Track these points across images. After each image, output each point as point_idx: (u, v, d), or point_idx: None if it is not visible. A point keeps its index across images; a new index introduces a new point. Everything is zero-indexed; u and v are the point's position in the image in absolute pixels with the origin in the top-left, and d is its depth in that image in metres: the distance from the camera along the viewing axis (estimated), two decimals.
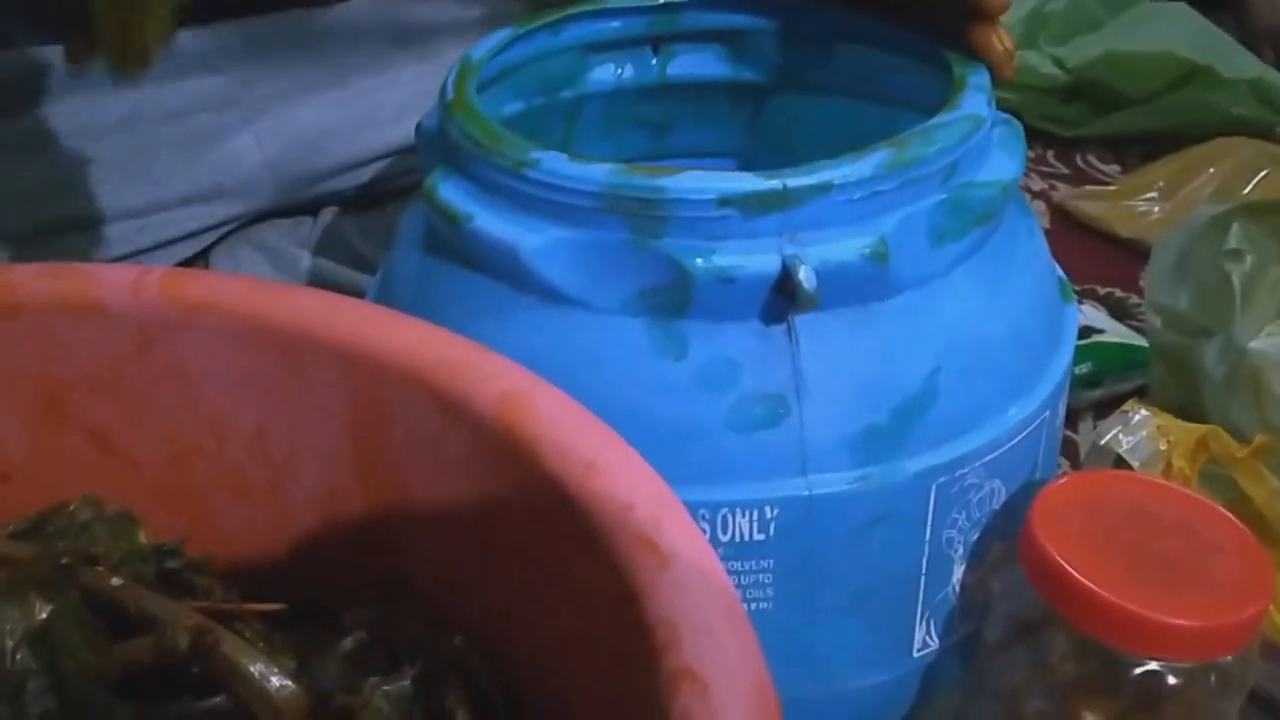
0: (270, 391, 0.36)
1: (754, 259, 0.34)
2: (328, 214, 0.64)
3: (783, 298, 0.35)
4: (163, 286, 0.36)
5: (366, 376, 0.35)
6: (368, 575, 0.37)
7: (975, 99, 0.39)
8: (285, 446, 0.37)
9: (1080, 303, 0.67)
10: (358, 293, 0.59)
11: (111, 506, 0.37)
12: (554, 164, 0.36)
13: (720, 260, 0.34)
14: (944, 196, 0.37)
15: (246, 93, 0.60)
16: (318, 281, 0.61)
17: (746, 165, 0.56)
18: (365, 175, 0.63)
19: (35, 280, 0.37)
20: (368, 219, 0.64)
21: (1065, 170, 0.82)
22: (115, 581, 0.33)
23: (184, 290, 0.36)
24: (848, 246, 0.35)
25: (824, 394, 0.35)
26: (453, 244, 0.39)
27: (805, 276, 0.34)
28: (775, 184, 0.35)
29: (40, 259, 0.55)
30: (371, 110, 0.62)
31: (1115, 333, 0.62)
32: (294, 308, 0.36)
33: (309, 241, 0.62)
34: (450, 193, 0.38)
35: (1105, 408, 0.59)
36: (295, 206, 0.63)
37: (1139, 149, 0.83)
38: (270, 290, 0.37)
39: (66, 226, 0.56)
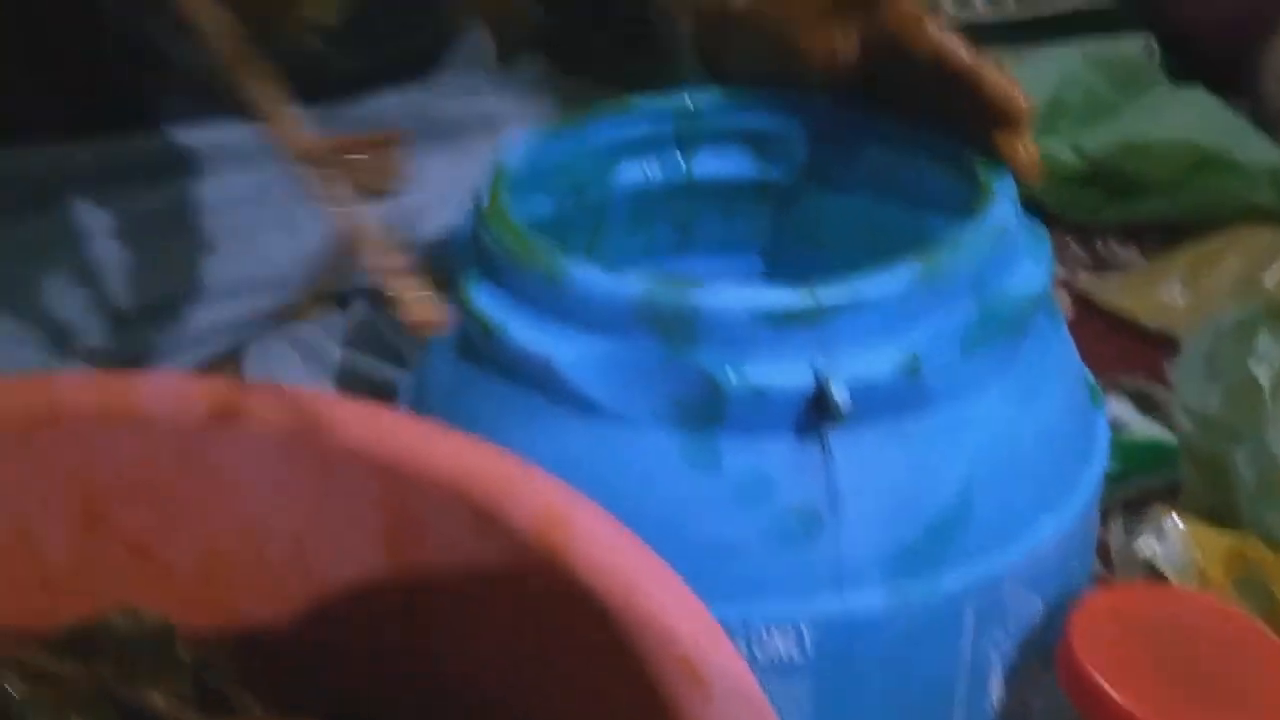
0: (308, 501, 0.36)
1: (787, 373, 0.35)
2: (359, 306, 0.65)
3: (816, 412, 0.35)
4: (206, 397, 0.37)
5: (404, 488, 0.35)
6: (404, 685, 0.37)
7: (1002, 208, 0.40)
8: (322, 556, 0.37)
9: (1106, 395, 0.67)
10: (388, 386, 0.60)
11: (149, 616, 0.37)
12: (587, 275, 0.37)
13: (753, 374, 0.35)
14: (974, 308, 0.37)
15: (280, 187, 0.61)
16: (348, 375, 0.62)
17: (772, 259, 0.56)
18: None
19: (78, 389, 0.37)
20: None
21: (1085, 256, 0.83)
22: (156, 701, 0.34)
23: (225, 400, 0.37)
24: (880, 361, 0.35)
25: (859, 509, 0.35)
26: (487, 351, 0.39)
27: (838, 392, 0.34)
28: (807, 299, 0.35)
29: (79, 352, 0.56)
30: (401, 205, 0.63)
31: (1142, 429, 0.62)
32: (332, 418, 0.36)
33: (340, 334, 0.63)
34: (484, 301, 0.39)
35: (1134, 505, 0.59)
36: (327, 299, 0.64)
37: (1158, 235, 0.83)
38: (309, 400, 0.37)
39: (106, 320, 0.57)
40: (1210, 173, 0.82)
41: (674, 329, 0.35)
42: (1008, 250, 0.38)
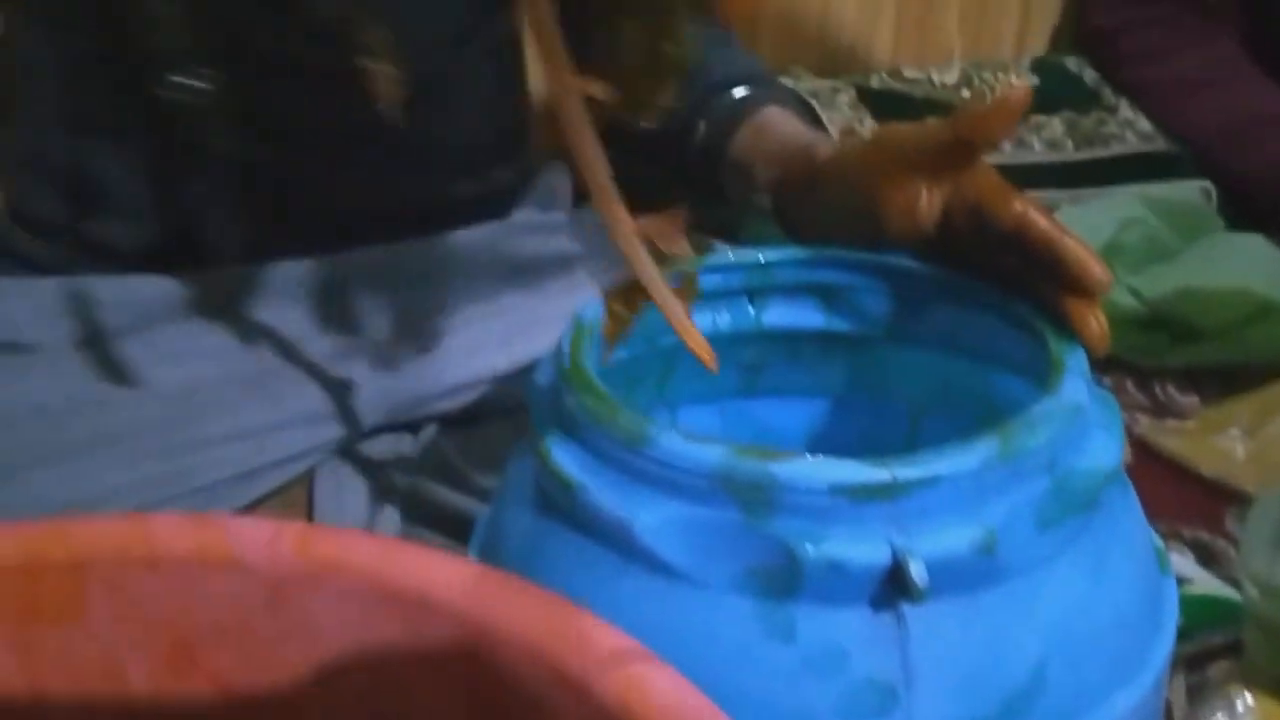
0: (386, 649, 0.37)
1: (864, 548, 0.35)
2: (428, 431, 0.66)
3: (892, 586, 0.36)
4: (297, 543, 0.38)
5: (484, 643, 0.36)
6: None
7: (1075, 384, 0.41)
8: (396, 704, 0.38)
9: (1167, 546, 0.67)
10: (455, 512, 0.62)
11: None
12: (668, 442, 0.38)
13: (830, 547, 0.36)
14: (1049, 485, 0.38)
15: (363, 319, 0.64)
16: (415, 500, 0.63)
17: (839, 405, 0.57)
18: (467, 397, 0.66)
19: (175, 532, 0.38)
20: (467, 438, 0.66)
21: (1145, 401, 0.83)
22: None
23: (317, 548, 0.38)
24: (956, 537, 0.36)
25: (933, 684, 0.36)
26: (564, 507, 0.40)
27: (917, 571, 0.35)
28: (884, 475, 0.36)
29: (164, 479, 0.58)
30: (477, 338, 0.65)
31: (1204, 582, 0.61)
32: (418, 571, 0.37)
33: (409, 459, 0.64)
34: (565, 459, 0.40)
35: (1197, 661, 0.58)
36: (399, 425, 0.65)
37: (1217, 381, 0.84)
38: (397, 551, 0.38)
39: (192, 446, 0.59)
40: (1270, 321, 0.82)
41: (753, 498, 0.36)
42: (1081, 426, 0.39)
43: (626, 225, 0.41)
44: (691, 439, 0.38)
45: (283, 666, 0.38)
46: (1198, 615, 0.59)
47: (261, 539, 0.38)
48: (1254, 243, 0.89)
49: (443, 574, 0.37)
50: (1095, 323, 0.43)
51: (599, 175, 0.40)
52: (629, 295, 0.46)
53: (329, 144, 0.65)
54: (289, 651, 0.38)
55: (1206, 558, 0.67)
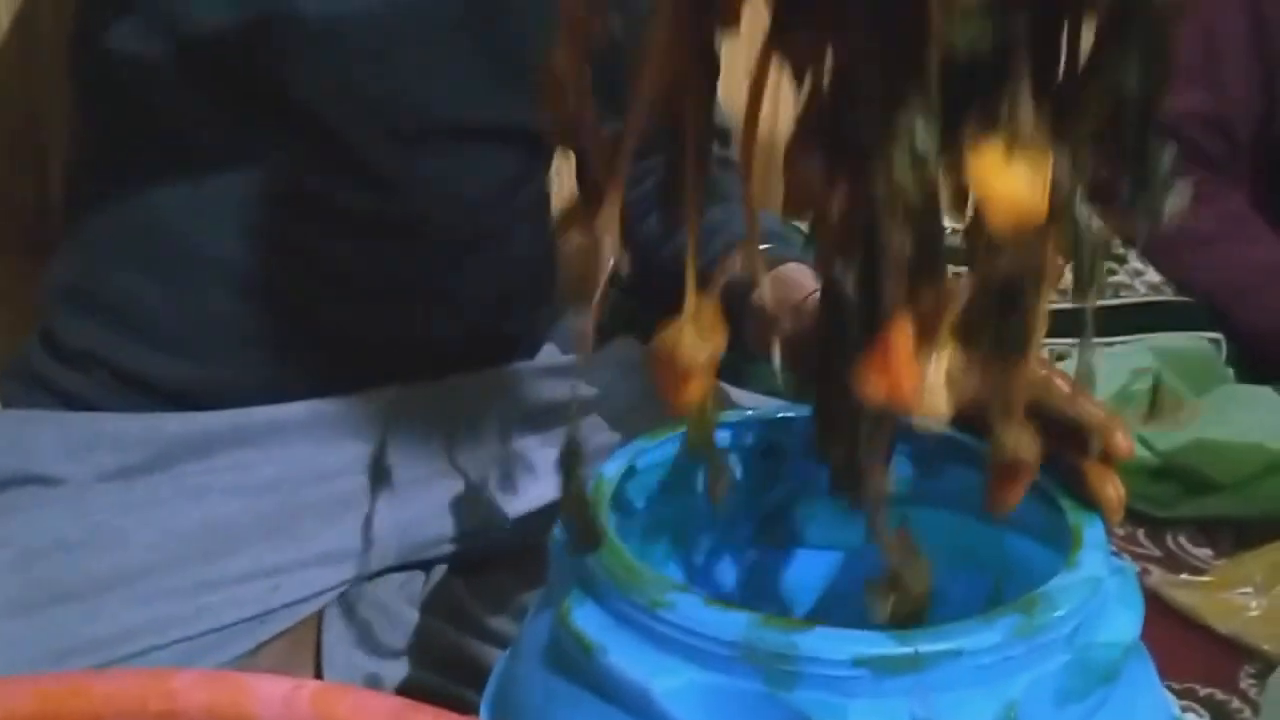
0: None
1: (885, 719, 0.35)
2: (438, 572, 0.66)
3: None
4: (314, 703, 0.38)
5: None
6: None
7: (1094, 558, 0.41)
8: None
9: (1182, 706, 0.66)
10: (462, 654, 0.61)
11: None
12: (690, 608, 0.38)
13: (852, 718, 0.35)
14: (1069, 658, 0.38)
15: (387, 459, 0.64)
16: (423, 638, 0.62)
17: (855, 558, 0.57)
18: (479, 540, 0.66)
19: (194, 689, 0.39)
20: (477, 581, 0.66)
21: (1157, 552, 0.83)
22: None
23: (333, 708, 0.38)
24: (978, 711, 0.36)
25: None
26: (582, 668, 0.40)
27: None
28: (907, 649, 0.36)
29: (180, 619, 0.58)
30: (491, 480, 0.66)
31: None
32: None
33: (418, 598, 0.64)
34: (584, 620, 0.40)
35: None
36: (409, 564, 0.65)
37: (1231, 533, 0.83)
38: (409, 714, 0.38)
39: (210, 585, 0.59)
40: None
41: (775, 668, 0.36)
42: (1100, 599, 0.39)
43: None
44: (713, 604, 0.38)
45: None
46: None
47: (278, 696, 0.38)
48: (1265, 395, 0.90)
49: None
50: (1114, 490, 0.44)
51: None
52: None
53: (368, 287, 0.67)
54: None
55: (1221, 718, 0.66)
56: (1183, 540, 0.83)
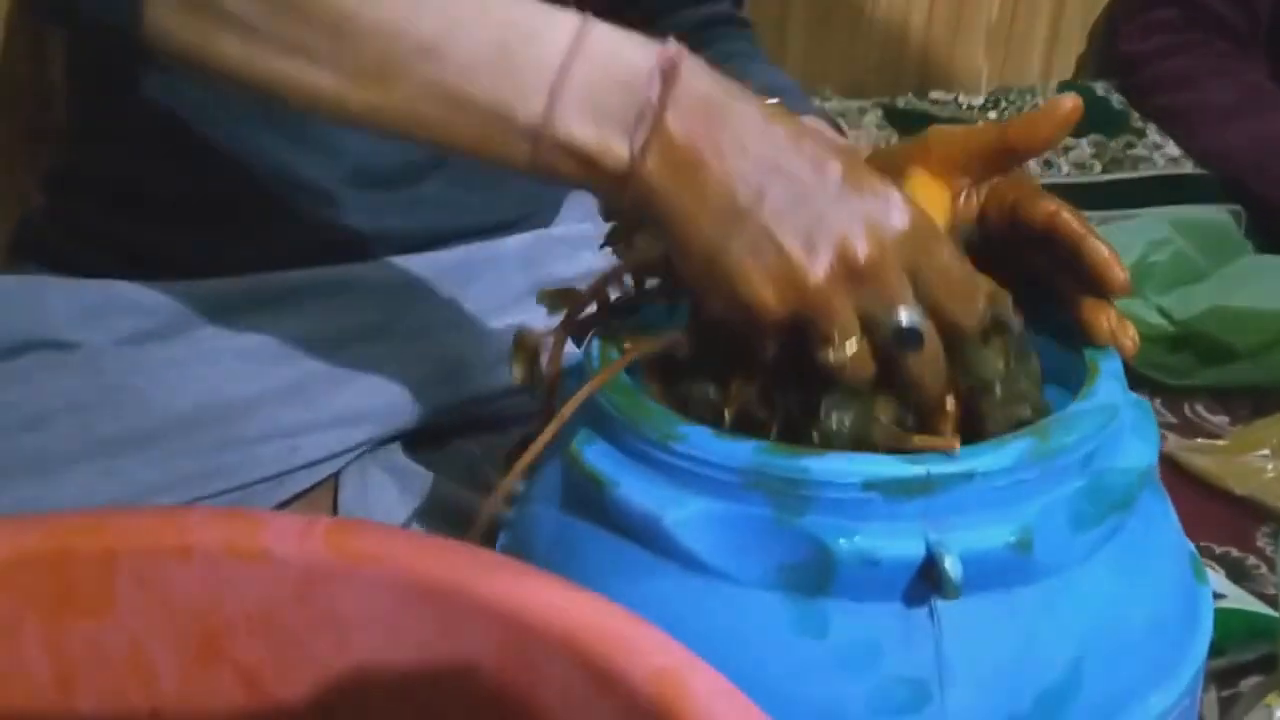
0: (419, 645, 0.37)
1: (898, 543, 0.35)
2: (455, 437, 0.66)
3: (926, 582, 0.35)
4: (329, 536, 0.38)
5: (517, 638, 0.35)
6: None
7: (1110, 386, 0.40)
8: (429, 698, 0.38)
9: None
10: (483, 522, 0.61)
11: None
12: (700, 439, 0.38)
13: (864, 542, 0.35)
14: (1084, 484, 0.37)
15: (399, 324, 0.64)
16: (440, 503, 0.63)
17: None
18: (496, 405, 0.66)
19: (207, 524, 0.39)
20: (493, 443, 0.66)
21: (1174, 420, 0.82)
22: None
23: (348, 542, 0.38)
24: (991, 534, 0.36)
25: (967, 680, 0.36)
26: (595, 505, 0.40)
27: (951, 566, 0.34)
28: (919, 470, 0.36)
29: (199, 478, 0.58)
30: (505, 346, 0.65)
31: (1237, 599, 0.61)
32: (451, 565, 0.37)
33: (435, 464, 0.64)
34: (596, 458, 0.40)
35: (1228, 677, 0.58)
36: (426, 429, 0.65)
37: (1248, 401, 0.83)
38: (428, 546, 0.38)
39: (227, 445, 0.59)
40: None
41: (785, 494, 0.36)
42: (1116, 428, 0.39)
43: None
44: (723, 435, 0.38)
45: (312, 662, 0.38)
46: (1231, 631, 0.59)
47: (293, 531, 0.38)
48: None
49: (475, 568, 0.37)
50: (1107, 321, 0.43)
51: None
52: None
53: (384, 163, 0.65)
54: (319, 646, 0.38)
55: (1238, 575, 0.66)
56: (1199, 409, 0.83)
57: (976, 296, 0.40)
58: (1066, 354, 0.45)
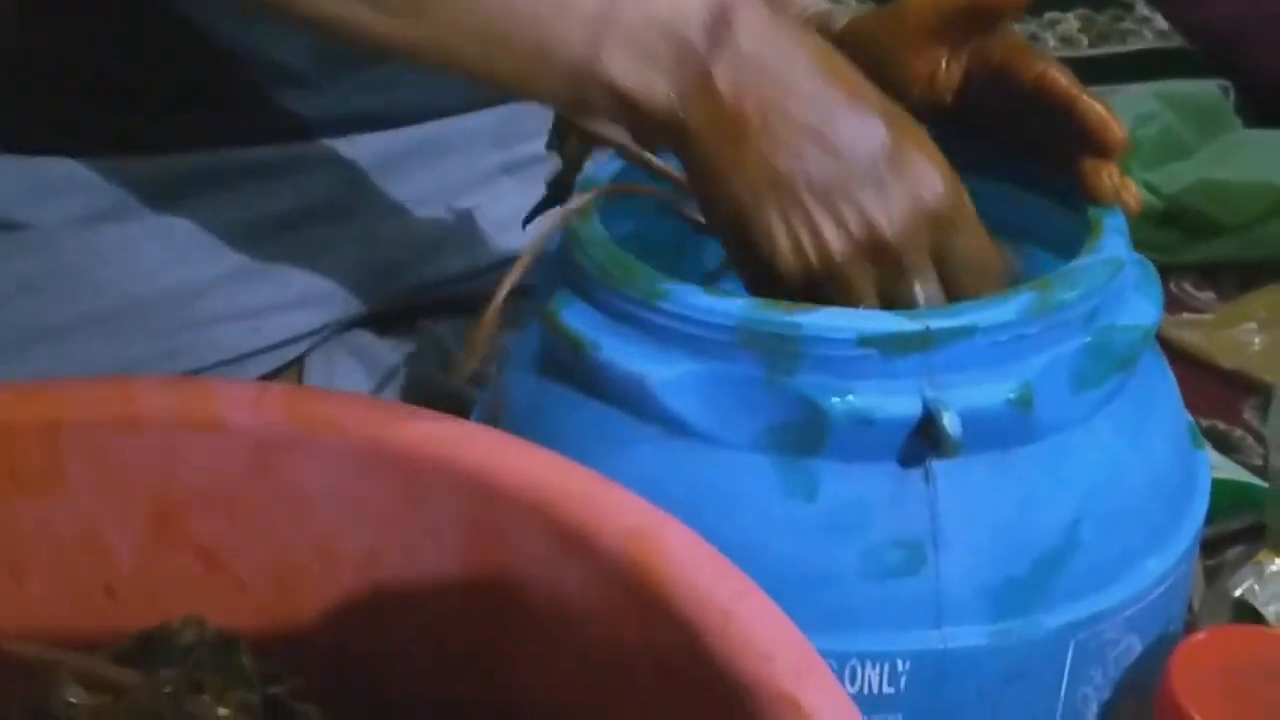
0: (385, 516, 0.35)
1: (894, 401, 0.34)
2: (423, 319, 0.64)
3: (922, 442, 0.34)
4: (285, 405, 0.36)
5: (485, 504, 0.34)
6: (477, 709, 0.35)
7: (1114, 241, 0.39)
8: (396, 569, 0.36)
9: None
10: (452, 399, 0.59)
11: (215, 627, 0.36)
12: (687, 296, 0.35)
13: (858, 401, 0.34)
14: (1087, 341, 0.36)
15: (364, 202, 0.61)
16: (413, 387, 0.61)
17: None
18: (466, 285, 0.63)
19: (157, 393, 0.36)
20: (463, 325, 0.63)
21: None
22: (221, 712, 0.33)
23: (306, 410, 0.36)
24: (991, 391, 0.34)
25: (962, 542, 0.34)
26: (573, 370, 0.38)
27: (950, 424, 0.33)
28: (917, 325, 0.34)
29: (155, 358, 0.56)
30: (474, 225, 0.63)
31: (1224, 469, 0.60)
32: (415, 432, 0.35)
33: (403, 346, 0.62)
34: (575, 319, 0.38)
35: (1215, 546, 0.57)
36: (393, 311, 0.63)
37: (1235, 277, 0.82)
38: (391, 413, 0.36)
39: (184, 326, 0.56)
40: None
41: (776, 353, 0.34)
42: (1120, 284, 0.37)
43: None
44: (711, 292, 0.36)
45: (273, 536, 0.37)
46: (1218, 500, 0.57)
47: (246, 399, 0.36)
48: (1272, 138, 0.87)
49: (437, 433, 0.35)
50: (1108, 179, 0.41)
51: None
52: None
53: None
54: (279, 519, 0.36)
55: (1225, 447, 0.65)
56: (1186, 285, 0.82)
57: (996, 278, 0.40)
58: (1069, 217, 0.43)
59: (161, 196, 0.59)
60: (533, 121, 0.68)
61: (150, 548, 0.37)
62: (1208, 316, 0.76)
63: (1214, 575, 0.54)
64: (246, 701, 0.34)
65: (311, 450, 0.35)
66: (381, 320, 0.63)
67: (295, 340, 0.59)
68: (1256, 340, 0.73)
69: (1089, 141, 0.42)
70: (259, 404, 0.36)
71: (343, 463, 0.35)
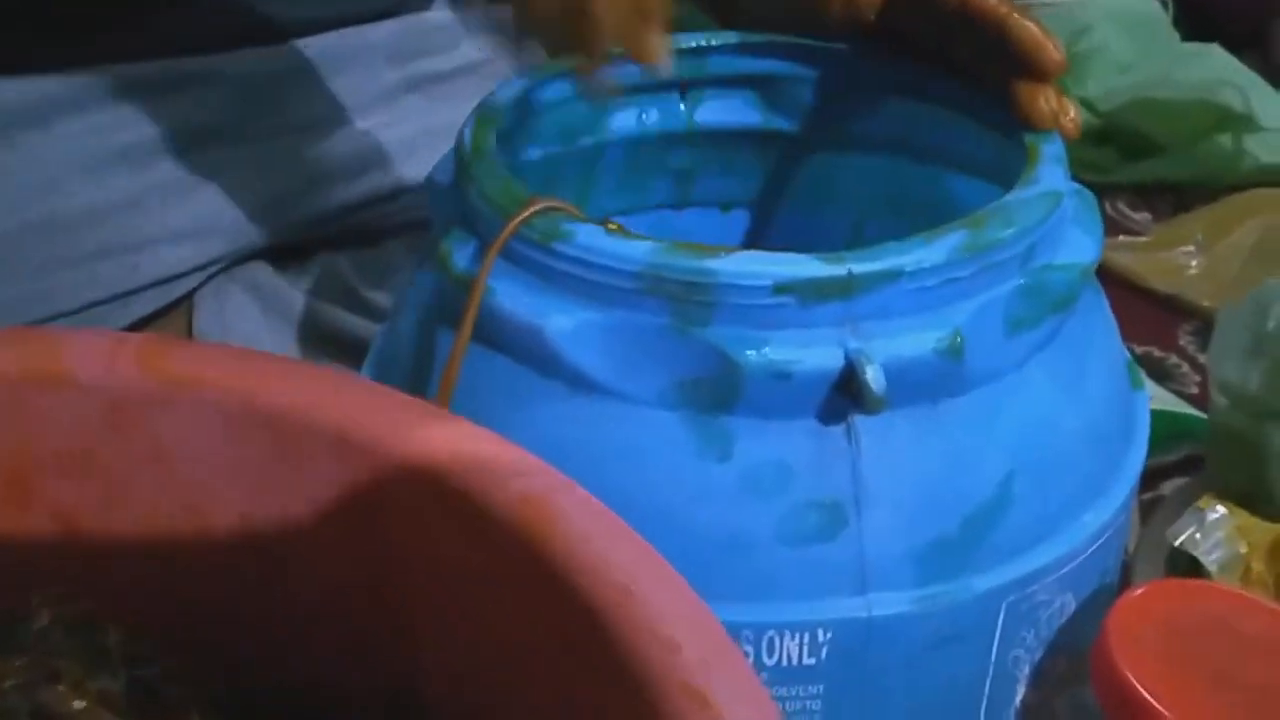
0: (257, 479, 0.32)
1: (813, 353, 0.31)
2: (322, 252, 0.60)
3: (844, 397, 0.31)
4: (141, 358, 0.32)
5: (365, 468, 0.31)
6: (369, 687, 0.33)
7: (1053, 172, 0.36)
8: (275, 537, 0.33)
9: None
10: (353, 336, 0.56)
11: (76, 605, 0.33)
12: (590, 239, 0.32)
13: (774, 353, 0.31)
14: (1021, 282, 0.33)
15: (253, 124, 0.57)
16: (310, 323, 0.57)
17: (776, 224, 0.52)
18: (366, 214, 0.59)
19: (1, 346, 0.33)
20: (364, 257, 0.60)
21: None
22: (77, 705, 0.29)
23: (164, 363, 0.32)
24: (918, 340, 0.31)
25: (887, 503, 0.32)
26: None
27: (873, 377, 0.30)
28: (839, 270, 0.31)
29: (24, 301, 0.52)
30: (374, 149, 0.59)
31: (1159, 399, 0.58)
32: (287, 386, 0.32)
33: (301, 281, 0.58)
34: (468, 263, 0.34)
35: (1150, 479, 0.55)
36: (289, 244, 0.59)
37: (1170, 198, 0.80)
38: (261, 365, 0.33)
39: (59, 264, 0.52)
40: (1226, 133, 0.78)
41: (685, 301, 0.31)
42: (1058, 219, 0.34)
43: None
44: (615, 235, 0.32)
45: (139, 501, 0.33)
46: (1154, 432, 0.56)
47: (98, 352, 0.32)
48: (1210, 52, 0.85)
49: (315, 390, 0.32)
50: (1045, 103, 0.39)
51: None
52: None
53: None
54: (144, 483, 0.33)
55: (1160, 375, 0.64)
56: (1121, 205, 0.80)
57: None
58: (1002, 142, 0.40)
59: (28, 121, 0.54)
60: (436, 35, 0.63)
61: (3, 514, 0.33)
62: (1143, 239, 0.74)
63: (1150, 510, 0.53)
64: (107, 691, 0.31)
65: (172, 407, 0.32)
66: (277, 254, 0.58)
67: (180, 277, 0.55)
68: (1194, 263, 0.71)
69: (1022, 64, 0.40)
70: (112, 358, 0.32)
71: (208, 421, 0.32)
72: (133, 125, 0.55)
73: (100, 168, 0.54)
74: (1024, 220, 0.33)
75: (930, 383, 0.32)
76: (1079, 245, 0.35)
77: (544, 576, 0.28)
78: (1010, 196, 0.34)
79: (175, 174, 0.55)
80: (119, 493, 0.33)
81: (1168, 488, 0.56)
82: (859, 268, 0.31)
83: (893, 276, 0.31)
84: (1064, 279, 0.34)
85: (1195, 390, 0.63)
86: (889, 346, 0.31)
